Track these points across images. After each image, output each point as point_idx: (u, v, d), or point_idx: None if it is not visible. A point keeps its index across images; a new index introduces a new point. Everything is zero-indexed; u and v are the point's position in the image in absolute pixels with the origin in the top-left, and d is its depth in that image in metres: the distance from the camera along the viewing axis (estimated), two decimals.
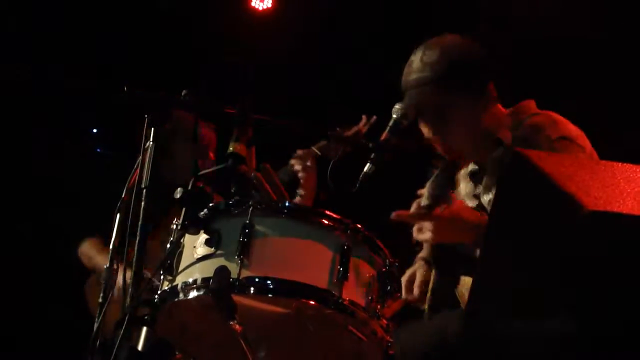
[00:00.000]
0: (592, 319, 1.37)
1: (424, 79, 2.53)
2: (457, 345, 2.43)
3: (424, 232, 2.35)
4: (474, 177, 2.72)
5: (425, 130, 2.62)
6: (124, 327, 2.13)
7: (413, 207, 2.33)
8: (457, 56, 2.55)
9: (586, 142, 2.58)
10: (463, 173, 2.82)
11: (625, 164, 1.53)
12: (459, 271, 2.59)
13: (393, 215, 2.31)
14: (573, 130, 2.56)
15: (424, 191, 2.52)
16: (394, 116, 2.48)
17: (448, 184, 2.25)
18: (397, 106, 2.50)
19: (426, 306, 2.70)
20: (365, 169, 2.43)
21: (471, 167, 2.73)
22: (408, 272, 2.79)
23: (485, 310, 1.62)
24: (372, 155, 2.42)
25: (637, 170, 1.51)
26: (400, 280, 2.42)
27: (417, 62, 2.57)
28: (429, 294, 2.70)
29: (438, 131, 2.58)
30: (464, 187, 2.80)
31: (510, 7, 4.32)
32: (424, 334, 2.61)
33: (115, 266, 2.42)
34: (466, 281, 2.60)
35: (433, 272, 2.68)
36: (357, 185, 2.44)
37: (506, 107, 2.71)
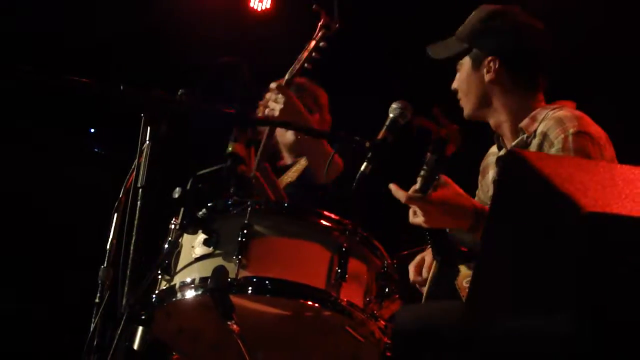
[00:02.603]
0: (590, 319, 1.37)
1: (458, 33, 2.79)
2: (451, 339, 2.43)
3: (417, 216, 2.35)
4: (498, 164, 2.76)
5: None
6: (121, 327, 2.13)
7: (410, 191, 2.32)
8: (477, 17, 2.76)
9: (608, 145, 2.57)
10: (492, 160, 2.85)
11: (624, 165, 1.53)
12: (458, 261, 2.59)
13: (391, 185, 2.32)
14: (595, 130, 2.57)
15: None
16: (391, 115, 2.48)
17: (439, 166, 2.23)
18: (394, 105, 2.50)
19: (424, 296, 2.71)
20: (362, 168, 2.42)
21: (501, 153, 2.78)
22: (417, 258, 2.81)
23: (484, 310, 1.62)
24: (369, 155, 2.42)
25: (636, 171, 1.50)
26: (399, 282, 2.41)
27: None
28: (428, 284, 2.70)
29: (457, 83, 2.79)
30: (492, 173, 2.82)
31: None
32: (420, 317, 2.60)
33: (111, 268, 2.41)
34: (465, 273, 2.60)
35: (434, 262, 2.68)
36: (354, 185, 2.44)
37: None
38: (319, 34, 3.22)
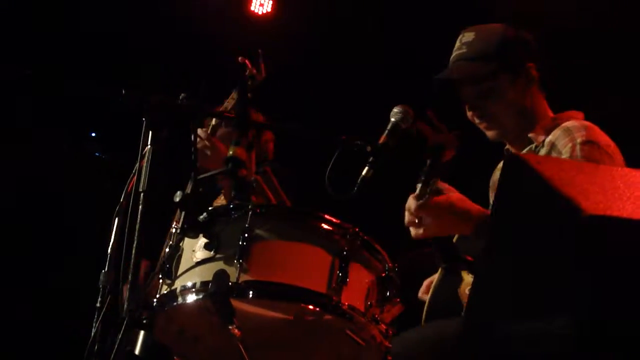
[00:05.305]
0: (591, 322, 1.37)
1: (461, 55, 2.72)
2: (455, 351, 2.42)
3: (412, 224, 2.35)
4: None
5: (467, 110, 2.76)
6: (122, 331, 2.12)
7: (409, 198, 2.32)
8: (491, 35, 2.73)
9: (617, 154, 2.57)
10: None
11: (624, 168, 1.53)
12: (462, 267, 2.59)
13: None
14: (604, 139, 2.57)
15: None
16: (393, 119, 2.48)
17: (434, 173, 2.23)
18: (395, 109, 2.50)
19: (426, 303, 2.71)
20: (364, 172, 2.42)
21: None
22: (434, 276, 2.82)
23: (485, 312, 1.62)
24: (370, 159, 2.41)
25: (637, 174, 1.51)
26: (400, 286, 2.41)
27: (457, 44, 2.76)
28: (430, 291, 2.70)
29: (475, 105, 2.72)
30: None
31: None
32: (422, 339, 2.60)
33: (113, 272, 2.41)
34: (468, 281, 2.61)
35: (439, 270, 2.69)
36: (356, 189, 2.44)
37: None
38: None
